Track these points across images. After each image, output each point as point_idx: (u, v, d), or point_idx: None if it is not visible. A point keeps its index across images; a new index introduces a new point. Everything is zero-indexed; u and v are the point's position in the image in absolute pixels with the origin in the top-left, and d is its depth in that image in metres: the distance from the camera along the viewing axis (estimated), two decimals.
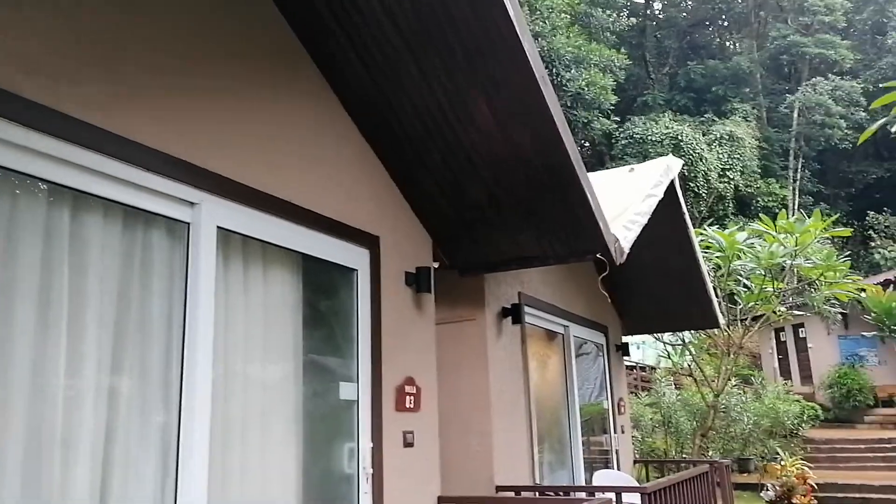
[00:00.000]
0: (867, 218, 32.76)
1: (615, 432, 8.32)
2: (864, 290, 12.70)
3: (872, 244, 32.07)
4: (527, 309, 6.36)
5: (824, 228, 10.41)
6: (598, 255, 4.83)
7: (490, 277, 5.73)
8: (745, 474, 14.80)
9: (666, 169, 6.85)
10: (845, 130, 34.41)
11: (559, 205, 4.50)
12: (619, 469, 8.15)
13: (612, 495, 4.88)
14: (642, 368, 22.93)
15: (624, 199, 5.98)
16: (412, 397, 4.37)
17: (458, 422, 5.52)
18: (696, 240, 8.01)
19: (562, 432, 7.15)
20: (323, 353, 3.92)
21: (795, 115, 35.27)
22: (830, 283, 10.59)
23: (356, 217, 4.15)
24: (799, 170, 35.42)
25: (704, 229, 11.56)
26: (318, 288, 3.97)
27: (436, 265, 5.34)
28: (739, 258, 10.92)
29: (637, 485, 7.18)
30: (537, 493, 5.27)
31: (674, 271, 8.33)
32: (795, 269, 11.64)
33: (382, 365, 4.16)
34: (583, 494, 5.19)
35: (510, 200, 4.57)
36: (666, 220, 7.71)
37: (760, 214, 12.68)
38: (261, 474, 3.37)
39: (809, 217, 10.45)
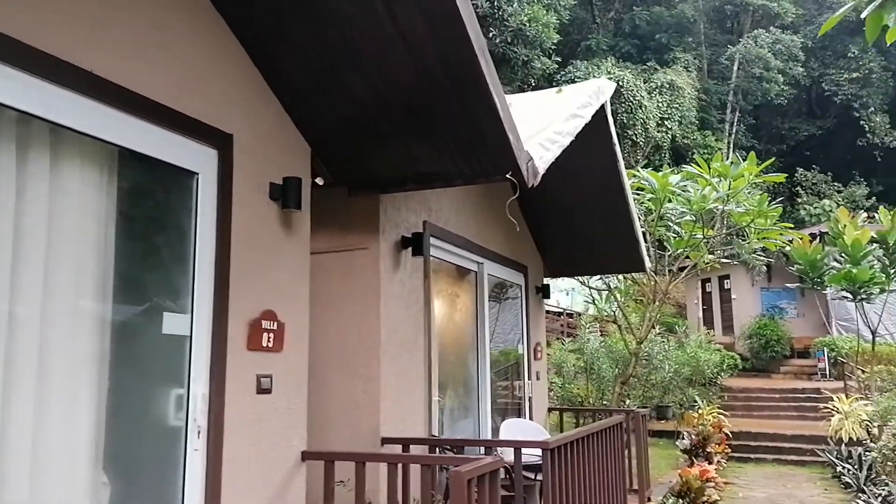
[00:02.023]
0: (796, 174, 33.30)
1: (529, 379, 7.79)
2: (792, 239, 12.47)
3: (799, 200, 32.69)
4: (433, 241, 5.62)
5: (758, 173, 9.98)
6: (507, 176, 4.09)
7: (388, 201, 4.94)
8: (664, 421, 14.80)
9: (597, 90, 6.13)
10: (782, 86, 34.68)
11: (460, 110, 3.71)
12: (531, 417, 7.64)
13: (510, 451, 4.26)
14: (570, 315, 22.83)
15: (546, 119, 5.24)
16: (271, 334, 3.60)
17: (344, 365, 4.80)
18: (626, 176, 7.38)
19: (468, 378, 6.54)
20: (142, 278, 3.08)
21: (735, 67, 35.26)
22: (760, 230, 10.22)
23: (199, 106, 3.27)
24: (735, 123, 35.67)
25: (638, 170, 11.01)
26: (142, 193, 3.11)
27: (319, 181, 4.52)
28: (671, 201, 10.42)
29: (547, 434, 6.68)
30: (428, 448, 4.63)
31: (601, 209, 7.72)
32: (726, 217, 11.26)
33: (230, 294, 3.36)
34: (479, 450, 4.58)
35: (400, 100, 3.76)
36: (595, 152, 7.04)
37: (695, 154, 12.22)
38: (42, 434, 2.56)
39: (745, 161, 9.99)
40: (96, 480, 2.88)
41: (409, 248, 5.13)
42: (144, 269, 3.07)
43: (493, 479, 3.42)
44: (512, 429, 6.54)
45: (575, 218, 7.97)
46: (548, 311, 23.36)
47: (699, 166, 10.36)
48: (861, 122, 34.07)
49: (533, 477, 5.44)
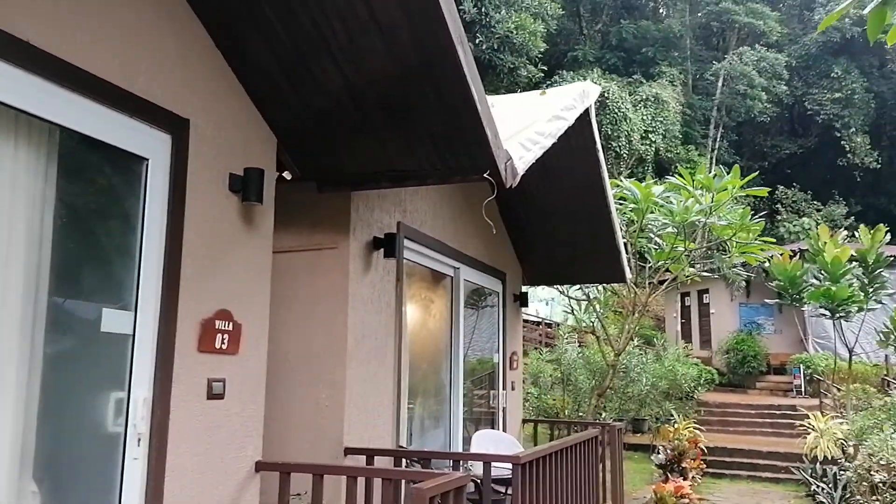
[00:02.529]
0: (776, 192, 33.53)
1: (504, 388, 7.58)
2: (772, 254, 12.40)
3: (779, 217, 32.91)
4: (407, 242, 5.40)
5: (741, 187, 9.88)
6: (485, 175, 3.88)
7: (360, 200, 4.71)
8: (639, 435, 14.66)
9: (581, 94, 5.95)
10: (765, 103, 34.93)
11: (437, 102, 3.50)
12: (504, 428, 7.43)
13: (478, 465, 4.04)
14: (549, 325, 22.69)
15: (528, 120, 5.05)
16: (226, 336, 3.35)
17: (308, 370, 4.56)
18: (608, 183, 7.22)
19: (441, 387, 6.32)
20: (81, 270, 2.82)
21: (720, 83, 35.49)
22: (742, 244, 10.11)
23: (152, 87, 3.03)
24: (718, 139, 35.87)
25: (620, 180, 10.87)
26: (84, 179, 2.87)
27: (287, 175, 4.28)
28: (654, 212, 10.29)
29: (519, 447, 6.47)
30: (393, 460, 4.40)
31: (583, 217, 7.55)
32: (708, 230, 11.15)
33: (180, 291, 3.11)
34: (448, 463, 4.36)
35: (374, 91, 3.54)
36: (577, 157, 6.88)
37: (679, 168, 12.13)
38: None
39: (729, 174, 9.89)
40: (24, 489, 2.62)
41: (382, 250, 4.90)
42: (84, 261, 2.81)
43: (457, 496, 3.21)
44: (484, 440, 6.32)
45: (556, 225, 7.79)
46: (527, 321, 23.25)
47: (683, 178, 10.24)
48: (842, 142, 34.40)
49: (504, 491, 5.23)
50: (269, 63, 3.45)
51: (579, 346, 16.06)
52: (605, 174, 7.08)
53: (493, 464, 4.28)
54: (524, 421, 8.43)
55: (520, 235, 8.02)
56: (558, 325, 21.17)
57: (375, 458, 4.44)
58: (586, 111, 6.29)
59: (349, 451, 4.41)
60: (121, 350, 2.85)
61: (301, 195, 4.63)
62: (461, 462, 4.50)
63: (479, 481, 4.50)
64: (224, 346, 3.34)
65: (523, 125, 4.83)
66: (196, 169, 3.23)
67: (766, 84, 34.76)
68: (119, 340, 2.84)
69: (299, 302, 4.63)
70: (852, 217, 32.46)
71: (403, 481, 3.44)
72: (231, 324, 3.40)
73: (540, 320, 23.19)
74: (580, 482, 5.58)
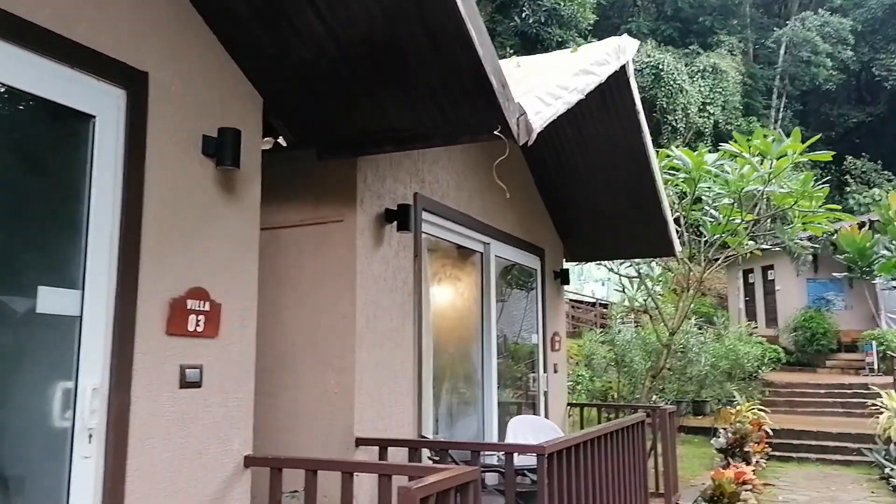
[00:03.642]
0: (844, 163, 31.83)
1: (545, 371, 7.11)
2: (840, 220, 11.45)
3: (848, 189, 31.29)
4: (426, 215, 4.98)
5: (803, 151, 9.07)
6: (496, 132, 3.42)
7: (369, 168, 4.31)
8: (700, 417, 13.99)
9: (616, 49, 5.39)
10: (830, 70, 33.21)
11: (430, 46, 3.06)
12: (546, 413, 6.97)
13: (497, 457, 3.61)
14: (604, 306, 22.00)
15: (551, 76, 4.54)
16: (201, 317, 3.00)
17: (315, 355, 4.20)
18: (652, 149, 6.63)
19: (472, 371, 5.89)
20: (11, 243, 2.48)
21: (782, 51, 33.87)
22: (806, 213, 9.32)
23: (99, 34, 2.67)
24: (781, 109, 34.29)
25: (671, 149, 10.18)
26: (17, 139, 2.53)
27: (281, 141, 3.91)
28: (707, 182, 9.58)
29: (560, 433, 6.01)
30: (408, 451, 4.01)
31: (626, 187, 6.99)
32: (767, 200, 10.36)
33: (141, 267, 2.76)
34: (466, 454, 3.95)
35: (359, 38, 3.11)
36: (617, 121, 6.32)
37: (734, 133, 11.33)
38: None
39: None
40: None
41: (395, 223, 4.49)
42: (13, 234, 2.48)
43: (462, 495, 2.79)
44: (521, 427, 5.87)
45: (597, 196, 7.25)
46: (581, 302, 22.63)
47: (738, 144, 9.48)
48: None
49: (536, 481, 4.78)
50: (240, 6, 3.05)
51: (635, 326, 15.44)
52: (649, 139, 6.49)
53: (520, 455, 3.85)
54: (569, 405, 7.94)
55: (559, 208, 7.50)
56: (614, 305, 20.49)
57: (389, 448, 4.06)
58: (623, 69, 5.72)
59: (360, 441, 4.04)
60: (65, 334, 2.51)
61: (304, 165, 4.26)
62: (478, 453, 4.06)
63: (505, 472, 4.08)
64: (199, 329, 2.99)
65: (544, 81, 4.34)
66: (159, 129, 2.88)
67: (831, 50, 33.05)
68: (62, 323, 2.51)
69: (304, 281, 4.28)
70: None
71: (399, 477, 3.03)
72: (208, 304, 3.05)
73: (595, 301, 22.50)
74: (622, 471, 5.09)
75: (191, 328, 2.95)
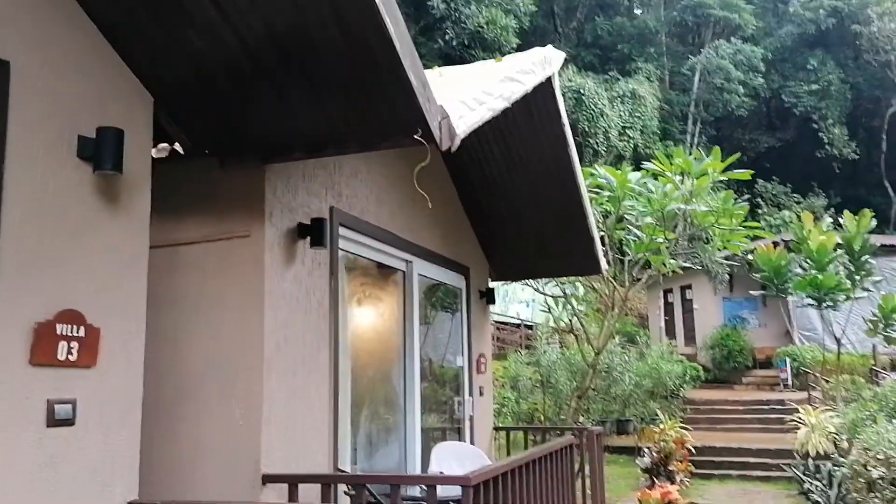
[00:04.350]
0: (756, 186, 33.27)
1: (471, 395, 6.84)
2: (759, 237, 11.74)
3: (760, 211, 32.68)
4: (344, 231, 4.66)
5: (723, 170, 9.24)
6: (416, 136, 3.16)
7: (279, 179, 3.97)
8: (624, 436, 14.01)
9: (542, 60, 5.25)
10: (742, 97, 34.75)
11: (345, 43, 2.77)
12: (472, 439, 6.69)
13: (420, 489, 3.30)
14: (528, 327, 22.01)
15: (478, 85, 4.33)
16: (75, 344, 2.60)
17: (219, 384, 3.80)
18: (578, 165, 6.52)
19: (393, 396, 5.57)
20: None
21: (697, 78, 35.25)
22: (726, 230, 9.47)
23: None
24: (696, 135, 35.56)
25: (595, 168, 10.22)
26: None
27: (177, 148, 3.54)
28: (631, 201, 9.62)
29: (487, 460, 5.74)
30: (321, 487, 3.65)
31: (553, 204, 6.85)
32: (689, 218, 10.52)
33: None
34: (386, 487, 3.62)
35: (263, 29, 2.79)
36: (544, 137, 6.19)
37: (656, 152, 11.50)
38: None
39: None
40: None
41: (308, 238, 4.15)
42: None
43: None
44: (445, 454, 5.58)
45: (523, 213, 7.08)
46: (506, 324, 22.58)
47: (660, 163, 9.59)
48: (820, 134, 34.31)
49: None
50: None
51: (560, 347, 15.43)
52: (575, 154, 6.39)
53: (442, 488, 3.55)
54: (496, 429, 7.70)
55: (484, 226, 7.30)
56: (539, 326, 20.53)
57: (301, 485, 3.69)
58: (549, 81, 5.59)
59: (268, 478, 3.65)
60: None
61: (206, 176, 3.89)
62: (399, 486, 3.74)
63: None
64: (73, 357, 2.59)
65: (469, 88, 4.12)
66: (23, 127, 2.49)
67: (743, 77, 34.58)
68: None
69: (207, 302, 3.88)
70: (832, 209, 32.22)
71: None
72: (83, 328, 2.64)
73: (520, 322, 22.51)
74: (551, 497, 4.86)
75: (61, 357, 2.54)
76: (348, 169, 4.79)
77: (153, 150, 3.75)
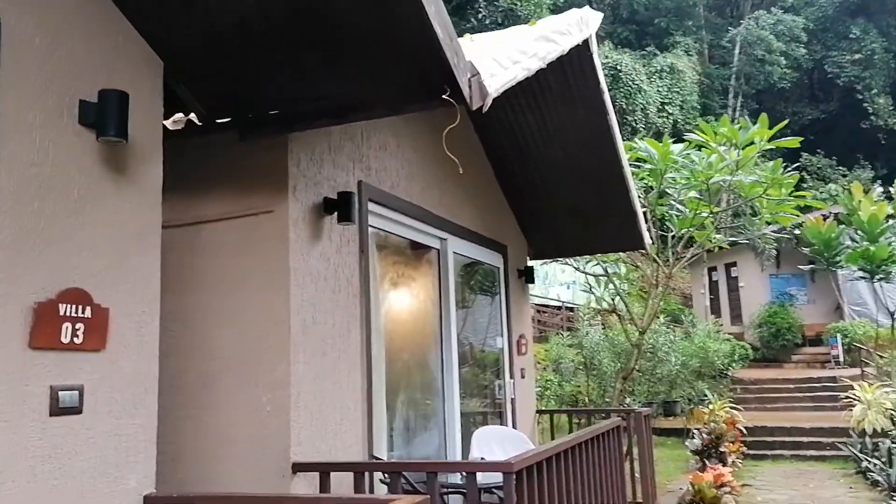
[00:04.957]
0: (801, 159, 32.21)
1: (511, 377, 6.58)
2: (810, 207, 11.17)
3: (805, 185, 31.66)
4: (374, 207, 4.42)
5: (771, 138, 8.74)
6: (445, 97, 2.89)
7: (303, 152, 3.74)
8: (671, 418, 13.64)
9: (579, 21, 4.93)
10: (784, 69, 33.64)
11: None
12: (514, 423, 6.44)
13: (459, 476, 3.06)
14: (570, 309, 21.64)
15: (511, 45, 4.03)
16: (80, 325, 2.40)
17: (244, 368, 3.60)
18: (619, 133, 6.17)
19: (430, 380, 5.34)
20: None
21: (737, 50, 34.21)
22: (775, 201, 8.98)
23: None
24: (738, 109, 34.55)
25: (635, 141, 9.79)
26: None
27: (193, 118, 3.33)
28: (673, 174, 9.18)
29: (530, 444, 5.49)
30: (353, 476, 3.44)
31: (592, 177, 6.52)
32: (735, 191, 10.04)
33: None
34: (422, 475, 3.39)
35: None
36: (580, 105, 5.85)
37: (700, 123, 11.02)
38: None
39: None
40: None
41: (335, 214, 3.92)
42: None
43: None
44: (486, 439, 5.34)
45: (562, 187, 6.77)
46: (547, 306, 22.22)
47: (704, 133, 9.12)
48: (864, 105, 33.09)
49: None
50: None
51: (603, 328, 15.06)
52: (614, 122, 6.04)
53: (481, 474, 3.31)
54: (538, 412, 7.43)
55: (521, 202, 7.01)
56: (581, 307, 20.14)
57: (332, 474, 3.48)
58: (586, 43, 5.25)
59: (298, 466, 3.45)
60: None
61: (226, 150, 3.68)
62: (436, 473, 3.51)
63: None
64: (78, 340, 2.39)
65: (502, 48, 3.82)
66: (17, 91, 2.28)
67: (785, 48, 33.47)
68: None
69: (231, 282, 3.68)
70: (879, 180, 31.06)
71: None
72: (89, 308, 2.44)
73: (561, 304, 22.13)
74: (599, 482, 4.59)
75: (65, 339, 2.35)
76: (377, 141, 4.54)
77: (169, 122, 3.56)
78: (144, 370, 2.67)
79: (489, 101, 3.04)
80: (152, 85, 2.81)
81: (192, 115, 3.28)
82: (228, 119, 3.34)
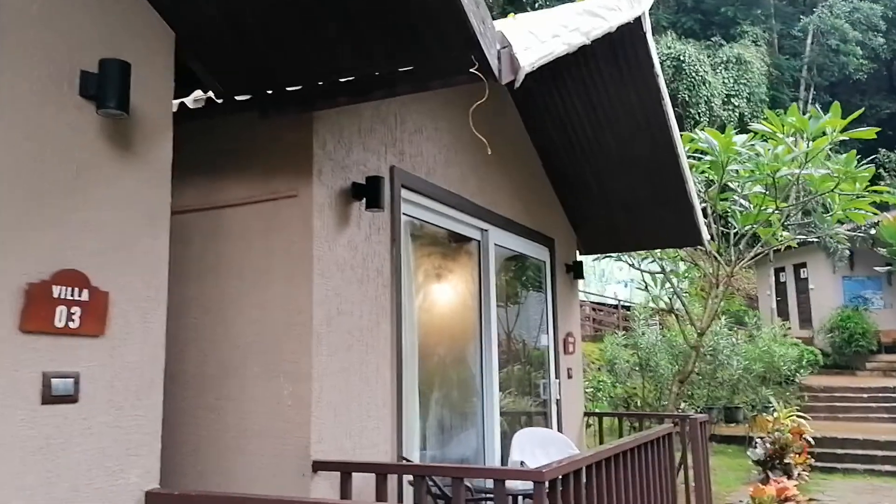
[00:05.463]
0: (878, 155, 30.59)
1: (557, 377, 6.29)
2: (887, 205, 10.47)
3: (882, 183, 30.03)
4: (407, 194, 4.22)
5: (844, 128, 8.16)
6: (472, 70, 2.66)
7: (329, 133, 3.56)
8: (733, 425, 13.04)
9: None
10: (861, 59, 32.03)
11: None
12: (559, 425, 6.15)
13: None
14: (626, 307, 21.08)
15: (552, 21, 3.76)
16: (76, 309, 2.27)
17: (264, 359, 3.45)
18: (674, 120, 5.80)
19: (468, 379, 5.10)
20: None
21: (809, 40, 32.76)
22: (849, 196, 8.39)
23: None
24: (809, 102, 33.06)
25: (696, 132, 9.33)
26: None
27: (213, 96, 3.19)
28: (736, 167, 8.67)
29: (574, 449, 5.20)
30: (375, 478, 3.24)
31: (645, 166, 6.16)
32: (803, 185, 9.45)
33: None
34: (443, 480, 3.17)
35: None
36: (633, 89, 5.52)
37: (765, 111, 10.45)
38: None
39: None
40: None
41: (364, 200, 3.73)
42: None
43: None
44: (528, 441, 5.08)
45: (613, 178, 6.43)
46: (603, 304, 21.70)
47: (770, 123, 8.60)
48: None
49: None
50: None
51: (660, 328, 14.54)
52: (670, 108, 5.68)
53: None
54: (587, 414, 7.12)
55: (570, 194, 6.70)
56: (637, 306, 19.58)
57: (354, 475, 3.29)
58: (639, 22, 4.92)
59: (319, 465, 3.27)
60: None
61: (248, 130, 3.54)
62: (461, 479, 3.27)
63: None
64: (74, 325, 2.26)
65: (542, 23, 3.56)
66: (12, 61, 2.16)
67: (861, 38, 31.88)
68: None
69: (252, 269, 3.53)
70: None
71: None
72: (86, 291, 2.31)
73: (618, 303, 21.60)
74: (646, 493, 4.28)
75: (59, 324, 2.22)
76: (412, 125, 4.34)
77: (189, 100, 3.44)
78: (149, 359, 2.53)
79: (521, 76, 2.80)
80: (163, 57, 2.67)
81: (212, 94, 3.14)
82: (248, 97, 3.18)
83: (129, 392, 2.45)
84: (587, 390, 10.79)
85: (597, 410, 9.69)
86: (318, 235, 3.46)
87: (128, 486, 2.42)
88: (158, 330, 2.59)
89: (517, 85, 2.82)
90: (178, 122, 2.82)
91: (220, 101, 3.19)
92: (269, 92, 3.09)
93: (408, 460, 3.87)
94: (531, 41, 3.03)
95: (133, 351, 2.47)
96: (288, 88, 3.07)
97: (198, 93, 3.35)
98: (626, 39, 4.90)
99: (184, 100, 3.36)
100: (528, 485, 3.63)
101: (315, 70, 2.95)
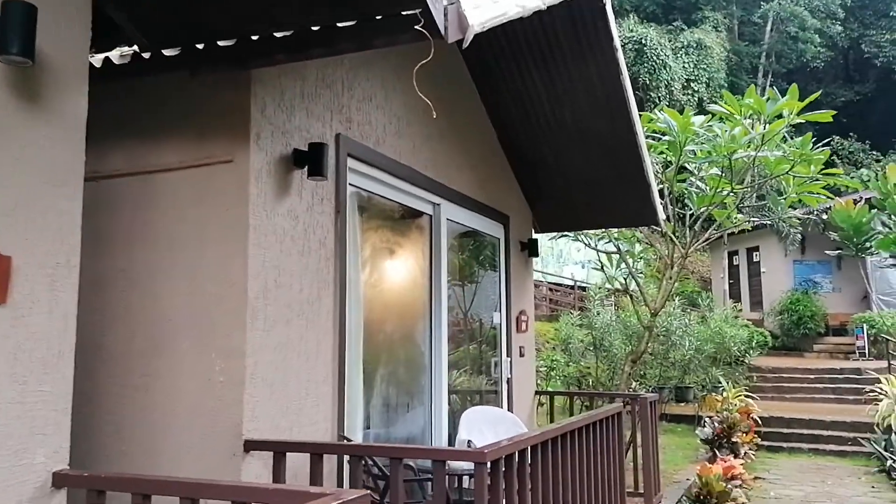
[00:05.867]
0: (832, 143, 31.23)
1: (508, 356, 6.21)
2: (846, 186, 10.58)
3: (836, 170, 30.65)
4: (354, 163, 4.04)
5: (800, 111, 8.18)
6: (417, 27, 2.48)
7: (269, 95, 3.35)
8: (683, 404, 13.22)
9: None
10: (818, 47, 32.55)
11: None
12: (510, 404, 6.08)
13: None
14: (583, 288, 21.22)
15: None
16: None
17: (196, 335, 3.26)
18: (633, 101, 5.70)
19: (417, 356, 4.97)
20: None
21: (769, 27, 33.16)
22: (803, 178, 8.45)
23: None
24: (767, 88, 33.47)
25: (655, 112, 9.27)
26: None
27: (139, 50, 2.95)
28: (693, 147, 8.66)
29: (523, 427, 5.13)
30: (309, 458, 3.09)
31: (604, 143, 6.08)
32: (759, 168, 9.50)
33: None
34: (384, 460, 3.04)
35: None
36: (592, 65, 5.40)
37: (723, 92, 10.46)
38: None
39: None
40: None
41: (305, 168, 3.54)
42: None
43: None
44: (476, 420, 4.99)
45: (571, 154, 6.33)
46: (560, 285, 21.80)
47: (728, 104, 8.58)
48: None
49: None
50: None
51: (615, 308, 14.63)
52: (629, 84, 5.58)
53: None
54: (538, 393, 7.07)
55: (527, 171, 6.59)
56: (593, 286, 19.72)
57: (289, 454, 3.14)
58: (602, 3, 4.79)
59: (250, 445, 3.11)
60: None
61: (183, 91, 3.31)
62: (400, 459, 3.15)
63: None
64: None
65: None
66: None
67: (820, 25, 32.36)
68: None
69: (184, 238, 3.33)
70: None
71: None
72: None
73: (574, 283, 21.73)
74: (593, 472, 4.22)
75: None
76: (360, 92, 4.15)
77: (115, 54, 3.19)
78: (58, 330, 2.33)
79: (470, 36, 2.63)
80: (78, 3, 2.43)
81: (137, 48, 2.91)
82: (178, 52, 2.96)
83: (34, 365, 2.25)
84: (541, 369, 10.80)
85: (549, 389, 9.68)
86: (255, 203, 3.26)
87: (33, 467, 2.23)
88: (69, 299, 2.38)
89: (465, 45, 2.66)
90: (104, 79, 2.60)
91: (146, 56, 2.96)
92: (200, 46, 2.87)
93: (348, 439, 3.73)
94: (482, 0, 2.87)
95: (39, 321, 2.27)
96: (220, 43, 2.85)
97: (125, 48, 3.11)
98: (586, 10, 4.77)
99: (108, 54, 3.12)
100: (472, 465, 3.54)
101: (249, 22, 2.75)
